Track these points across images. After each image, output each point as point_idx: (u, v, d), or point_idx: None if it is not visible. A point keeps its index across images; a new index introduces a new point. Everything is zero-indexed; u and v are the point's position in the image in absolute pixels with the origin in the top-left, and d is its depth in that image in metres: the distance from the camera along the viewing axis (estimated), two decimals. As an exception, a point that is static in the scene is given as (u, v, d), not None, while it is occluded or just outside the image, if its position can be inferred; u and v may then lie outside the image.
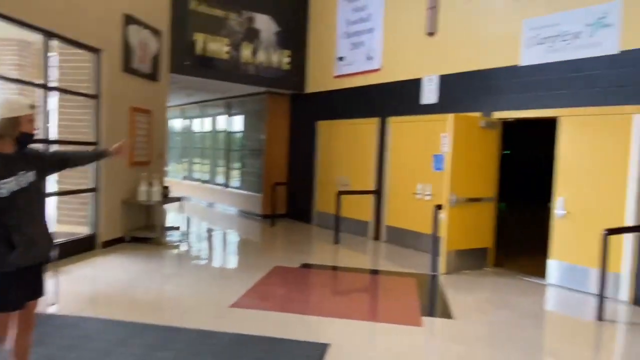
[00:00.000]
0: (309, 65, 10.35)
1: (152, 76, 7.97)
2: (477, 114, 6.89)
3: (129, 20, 7.24)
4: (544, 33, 6.18)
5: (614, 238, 5.11)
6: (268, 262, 6.65)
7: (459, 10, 7.28)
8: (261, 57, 9.78)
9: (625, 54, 5.43)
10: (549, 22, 6.13)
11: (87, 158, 3.30)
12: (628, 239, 5.35)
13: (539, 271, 6.44)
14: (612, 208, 5.50)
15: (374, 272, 6.61)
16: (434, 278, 6.24)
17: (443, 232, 6.35)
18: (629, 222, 5.35)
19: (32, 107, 2.70)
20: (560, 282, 5.98)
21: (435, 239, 6.57)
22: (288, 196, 10.96)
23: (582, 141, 5.82)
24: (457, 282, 6.06)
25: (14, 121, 2.52)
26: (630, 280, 5.35)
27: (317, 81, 10.12)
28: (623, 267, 5.39)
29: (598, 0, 5.64)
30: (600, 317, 4.77)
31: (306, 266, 6.60)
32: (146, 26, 7.67)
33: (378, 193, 8.60)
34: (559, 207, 6.00)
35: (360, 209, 8.95)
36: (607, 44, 5.58)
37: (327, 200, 9.66)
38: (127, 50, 7.23)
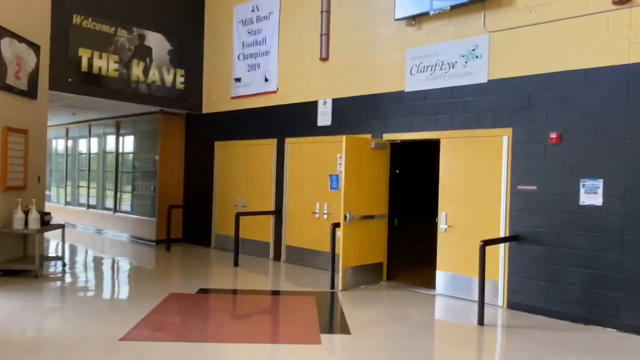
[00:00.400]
0: (206, 85, 10.20)
1: (29, 93, 7.32)
2: (368, 136, 7.26)
3: (3, 32, 6.62)
4: (425, 62, 6.73)
5: (491, 249, 5.64)
6: (162, 289, 6.34)
7: (349, 38, 7.67)
8: (153, 75, 9.45)
9: (492, 82, 6.09)
10: (429, 52, 6.70)
11: None
12: (503, 249, 5.94)
13: (429, 282, 6.89)
14: (488, 221, 6.08)
15: (275, 292, 6.60)
16: (332, 295, 6.38)
17: (340, 250, 6.55)
18: (503, 233, 5.95)
19: None
20: (447, 292, 6.44)
21: (333, 257, 6.74)
22: (184, 219, 10.59)
23: (459, 160, 6.38)
24: (354, 297, 6.25)
25: None
26: (505, 287, 5.92)
27: (214, 101, 10.00)
28: (499, 275, 5.96)
29: (471, 33, 6.29)
30: (481, 322, 5.21)
31: (204, 291, 6.40)
32: (23, 40, 7.06)
33: (277, 213, 8.65)
34: (442, 221, 6.49)
35: (260, 230, 8.91)
36: (478, 74, 6.23)
37: (226, 223, 9.50)
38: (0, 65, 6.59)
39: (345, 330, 4.91)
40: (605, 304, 5.17)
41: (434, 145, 6.76)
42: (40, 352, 4.18)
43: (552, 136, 5.59)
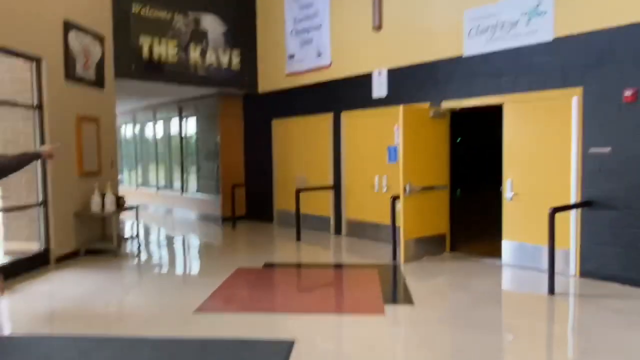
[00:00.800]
0: (260, 64, 10.30)
1: (98, 83, 7.73)
2: (425, 105, 7.08)
3: (69, 26, 6.99)
4: (484, 23, 6.41)
5: (560, 216, 5.39)
6: (230, 264, 6.61)
7: (402, 3, 7.43)
8: (210, 58, 9.66)
9: (557, 41, 5.71)
10: (488, 11, 6.36)
11: (17, 163, 3.19)
12: (574, 216, 5.66)
13: (495, 252, 6.71)
14: (557, 187, 5.79)
15: (337, 266, 6.69)
16: (394, 267, 6.38)
17: (401, 222, 6.50)
18: (574, 199, 5.65)
19: None
20: (515, 262, 6.25)
21: (394, 229, 6.71)
22: (247, 197, 10.90)
23: (525, 125, 6.09)
24: (416, 269, 6.22)
25: None
26: (577, 255, 5.65)
27: (269, 80, 10.10)
28: (570, 243, 5.69)
29: (532, -10, 5.91)
30: (552, 290, 5.02)
31: (269, 265, 6.61)
32: (88, 32, 7.43)
33: (336, 188, 8.70)
34: (507, 189, 6.26)
35: (320, 205, 9.02)
36: (542, 32, 5.85)
37: (287, 199, 9.68)
38: (69, 58, 6.99)
39: (408, 300, 4.91)
40: (690, 271, 4.82)
41: (496, 112, 6.48)
42: (124, 323, 4.52)
43: (626, 94, 5.18)
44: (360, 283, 5.68)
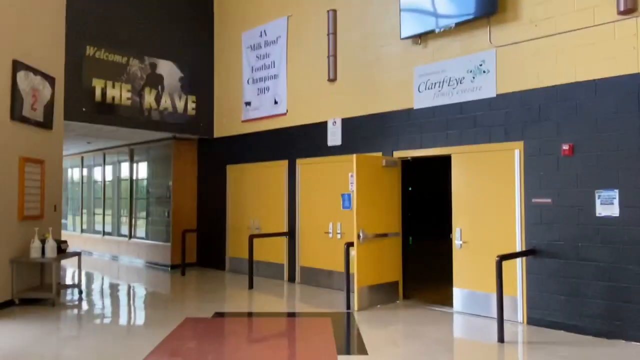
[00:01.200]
0: (216, 110, 10.35)
1: (45, 124, 7.49)
2: (378, 154, 7.28)
3: (19, 66, 6.82)
4: (433, 79, 6.77)
5: (508, 264, 5.58)
6: (178, 314, 6.33)
7: (356, 58, 7.76)
8: (165, 102, 9.62)
9: (500, 96, 6.10)
10: (436, 69, 6.74)
11: None
12: (520, 264, 5.85)
13: (446, 300, 6.79)
14: (503, 236, 6.01)
15: (290, 315, 6.55)
16: (348, 315, 6.32)
17: (354, 269, 6.51)
18: (519, 248, 5.87)
19: None
20: (465, 309, 6.34)
21: (347, 277, 6.70)
22: (198, 243, 10.63)
23: (472, 175, 6.35)
24: (370, 317, 6.18)
25: None
26: (524, 303, 5.81)
27: (225, 126, 10.13)
28: (518, 290, 5.86)
29: (477, 48, 6.33)
30: (501, 339, 5.10)
31: (219, 315, 6.38)
32: (38, 72, 7.26)
33: (291, 234, 8.64)
34: (457, 237, 6.43)
35: (273, 251, 8.91)
36: (486, 89, 6.24)
37: (240, 246, 9.51)
38: (15, 98, 6.77)
39: (362, 350, 4.84)
40: (627, 317, 5.04)
41: (446, 161, 6.75)
42: (58, 380, 4.17)
43: (564, 148, 5.55)
44: (314, 333, 5.57)
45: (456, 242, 6.44)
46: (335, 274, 7.87)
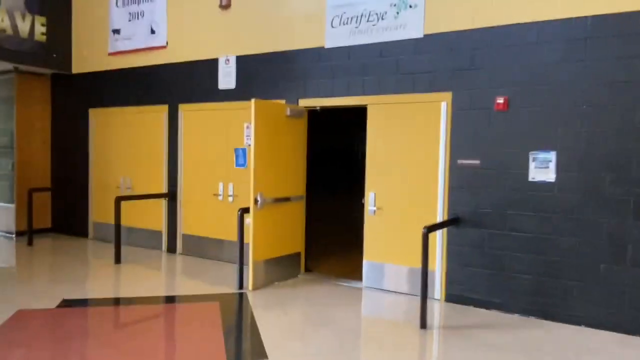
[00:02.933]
0: (75, 38, 8.21)
1: None
2: (281, 102, 6.03)
3: None
4: (349, 12, 5.60)
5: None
6: (8, 304, 4.69)
7: (256, -19, 6.30)
8: (2, 22, 7.31)
9: (428, 37, 5.14)
10: (353, 0, 5.57)
11: None
12: (439, 235, 5.11)
13: (354, 273, 5.95)
14: (423, 202, 5.20)
15: (167, 299, 5.23)
16: (241, 297, 5.18)
17: (250, 240, 5.33)
18: (440, 216, 5.11)
19: None
20: (375, 284, 5.53)
21: (241, 249, 5.50)
22: (53, 205, 8.65)
23: (390, 131, 5.41)
24: (267, 298, 5.10)
25: None
26: (442, 278, 5.12)
27: (87, 59, 8.08)
28: (436, 264, 5.14)
29: (401, -20, 5.26)
30: (424, 324, 4.32)
31: (67, 304, 4.84)
32: None
33: (171, 196, 7.16)
34: (370, 203, 5.52)
35: (149, 216, 7.37)
36: (412, 28, 5.23)
37: (107, 208, 7.78)
38: None
39: (260, 353, 3.74)
40: (557, 294, 4.54)
41: (361, 113, 5.72)
42: None
43: (498, 101, 4.78)
44: (196, 326, 4.33)
45: (369, 207, 5.53)
46: (226, 244, 6.63)
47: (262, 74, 6.28)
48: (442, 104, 5.08)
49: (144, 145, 7.46)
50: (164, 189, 7.23)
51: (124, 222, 6.86)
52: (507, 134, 4.76)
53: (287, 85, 6.08)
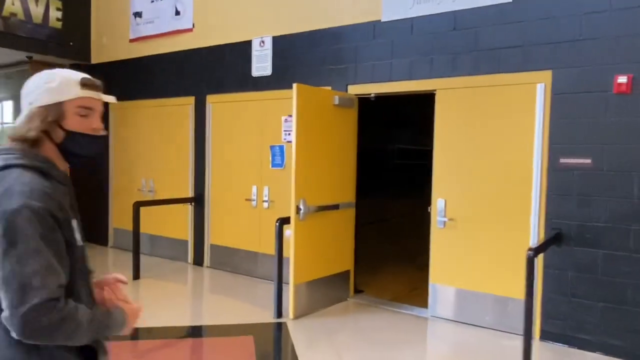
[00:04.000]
0: (94, 24, 7.41)
1: None
2: (327, 88, 5.00)
3: None
4: (413, -24, 4.53)
5: (511, 250, 3.66)
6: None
7: (297, -54, 5.30)
8: (13, 5, 6.56)
9: (519, 1, 4.02)
10: (419, -40, 4.49)
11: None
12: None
13: (418, 298, 4.87)
14: (511, 212, 4.08)
15: (191, 332, 4.28)
16: (279, 329, 4.18)
17: (291, 258, 4.33)
18: (534, 231, 3.98)
19: (87, 85, 1.31)
20: (446, 314, 4.44)
21: (279, 268, 4.51)
22: (72, 209, 7.87)
23: (466, 123, 4.30)
24: (313, 331, 4.10)
25: (55, 112, 1.25)
26: (537, 310, 3.99)
27: (107, 47, 7.27)
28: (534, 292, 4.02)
29: None
30: (523, 376, 3.22)
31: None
32: None
33: (198, 201, 6.24)
34: (438, 212, 4.42)
35: (174, 223, 6.48)
36: (495, -9, 4.12)
37: (129, 213, 6.88)
38: None
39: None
40: None
41: (427, 101, 4.64)
42: None
43: (619, 81, 3.62)
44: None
45: (437, 218, 4.44)
46: (260, 257, 5.67)
47: (303, 57, 5.27)
48: (537, 87, 3.95)
49: (168, 143, 6.58)
50: (189, 192, 6.32)
51: (145, 229, 6.00)
52: (632, 124, 3.59)
53: (334, 69, 5.05)
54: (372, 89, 4.83)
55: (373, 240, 5.51)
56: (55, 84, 1.27)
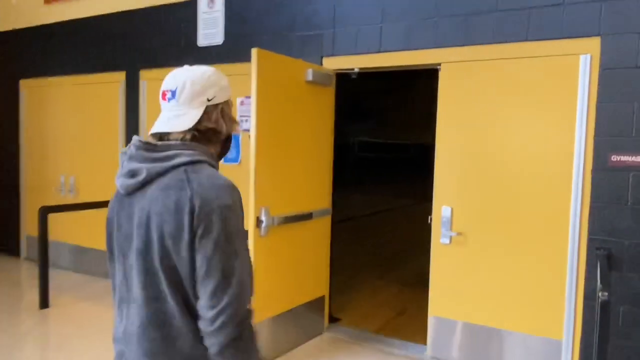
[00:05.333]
0: (-1, -19, 5.93)
1: None
2: (298, 60, 3.86)
3: None
4: None
5: (545, 276, 2.68)
6: None
7: None
8: None
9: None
10: None
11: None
12: (572, 278, 3.02)
13: (407, 328, 3.85)
14: (543, 227, 3.10)
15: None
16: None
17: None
18: (573, 250, 3.01)
19: None
20: (451, 354, 3.43)
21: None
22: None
23: (480, 108, 3.28)
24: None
25: (227, 110, 1.32)
26: (573, 352, 3.03)
27: (17, 11, 5.81)
28: (565, 330, 3.05)
29: None
30: None
31: None
32: None
33: (130, 203, 4.95)
34: (443, 224, 3.40)
35: (104, 231, 5.16)
36: None
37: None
38: None
39: None
40: None
41: (427, 78, 3.58)
42: None
43: (698, 52, 2.68)
44: None
45: (440, 231, 3.41)
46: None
47: (265, 21, 4.10)
48: (580, 59, 2.96)
49: (93, 131, 5.26)
50: (120, 193, 5.03)
51: (66, 238, 4.73)
52: None
53: (306, 38, 3.91)
54: (356, 62, 3.72)
55: (342, 245, 4.44)
56: (226, 83, 1.30)
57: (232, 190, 1.17)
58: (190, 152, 1.19)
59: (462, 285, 3.34)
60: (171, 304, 1.12)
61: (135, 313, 1.15)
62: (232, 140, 3.77)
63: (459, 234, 3.34)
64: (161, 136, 1.22)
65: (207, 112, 1.23)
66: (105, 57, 5.09)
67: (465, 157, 3.33)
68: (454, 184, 3.37)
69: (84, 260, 5.33)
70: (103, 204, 4.76)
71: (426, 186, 3.74)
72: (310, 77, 3.50)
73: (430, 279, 3.48)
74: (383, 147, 6.59)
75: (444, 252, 3.41)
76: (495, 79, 3.21)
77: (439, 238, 3.42)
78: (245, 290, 1.11)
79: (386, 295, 4.84)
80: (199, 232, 1.10)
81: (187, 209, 1.10)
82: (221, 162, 3.70)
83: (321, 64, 3.82)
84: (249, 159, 3.15)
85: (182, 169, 1.16)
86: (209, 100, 1.23)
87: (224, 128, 1.28)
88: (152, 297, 1.13)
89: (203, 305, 1.10)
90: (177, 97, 1.22)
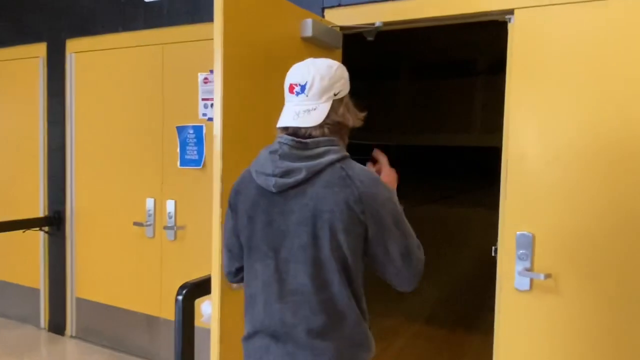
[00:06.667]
0: None
1: None
2: (288, 3, 2.60)
3: None
4: None
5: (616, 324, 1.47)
6: None
7: None
8: None
9: None
10: None
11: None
12: None
13: None
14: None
15: None
16: None
17: (213, 327, 1.89)
18: None
19: None
20: None
21: (181, 345, 2.08)
22: None
23: (576, 76, 2.08)
24: None
25: (347, 105, 1.36)
26: None
27: None
28: None
29: None
30: None
31: None
32: None
33: (54, 224, 3.63)
34: (520, 258, 2.17)
35: (17, 261, 3.84)
36: None
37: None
38: None
39: None
40: None
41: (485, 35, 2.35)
42: None
43: None
44: None
45: (515, 269, 2.19)
46: (161, 324, 3.20)
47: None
48: None
49: (3, 123, 3.91)
50: (40, 209, 3.69)
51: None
52: None
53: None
54: (372, 14, 2.48)
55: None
56: (347, 75, 1.34)
57: (382, 181, 1.30)
58: (335, 147, 1.26)
59: (551, 352, 2.13)
60: (338, 289, 1.23)
61: (301, 301, 1.23)
62: (191, 133, 2.62)
63: (548, 275, 2.12)
64: (295, 131, 1.26)
65: (334, 106, 1.28)
66: (18, 24, 3.75)
67: (548, 158, 2.11)
68: (532, 198, 2.15)
69: (-4, 300, 3.97)
70: (19, 224, 3.43)
71: (425, 186, 2.53)
72: (308, 32, 2.23)
73: (494, 347, 2.25)
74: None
75: (520, 303, 2.18)
76: (590, 25, 2.01)
77: (512, 281, 2.20)
78: (420, 263, 1.30)
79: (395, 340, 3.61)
80: (372, 226, 1.22)
81: (356, 207, 1.20)
82: (177, 166, 2.43)
83: (323, 16, 2.58)
84: (212, 160, 1.88)
85: (337, 165, 1.23)
86: (335, 95, 1.28)
87: (350, 121, 1.32)
88: (321, 285, 1.23)
89: (396, 284, 1.30)
90: (307, 91, 1.27)
